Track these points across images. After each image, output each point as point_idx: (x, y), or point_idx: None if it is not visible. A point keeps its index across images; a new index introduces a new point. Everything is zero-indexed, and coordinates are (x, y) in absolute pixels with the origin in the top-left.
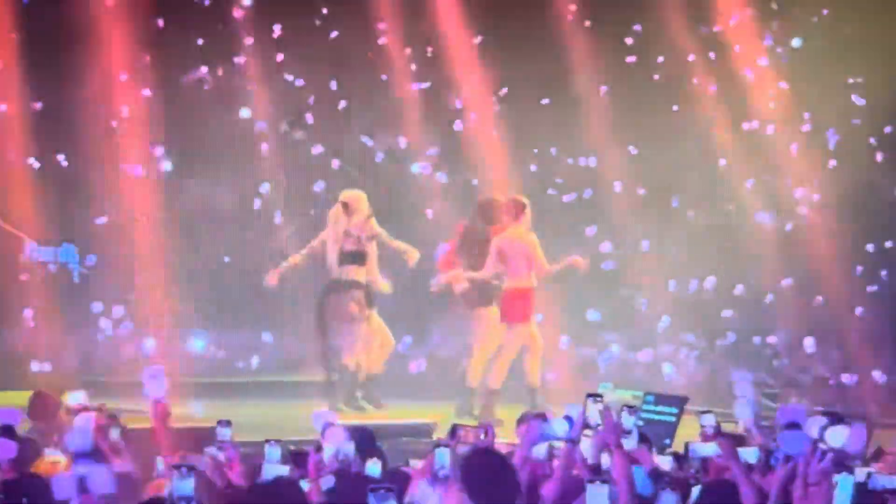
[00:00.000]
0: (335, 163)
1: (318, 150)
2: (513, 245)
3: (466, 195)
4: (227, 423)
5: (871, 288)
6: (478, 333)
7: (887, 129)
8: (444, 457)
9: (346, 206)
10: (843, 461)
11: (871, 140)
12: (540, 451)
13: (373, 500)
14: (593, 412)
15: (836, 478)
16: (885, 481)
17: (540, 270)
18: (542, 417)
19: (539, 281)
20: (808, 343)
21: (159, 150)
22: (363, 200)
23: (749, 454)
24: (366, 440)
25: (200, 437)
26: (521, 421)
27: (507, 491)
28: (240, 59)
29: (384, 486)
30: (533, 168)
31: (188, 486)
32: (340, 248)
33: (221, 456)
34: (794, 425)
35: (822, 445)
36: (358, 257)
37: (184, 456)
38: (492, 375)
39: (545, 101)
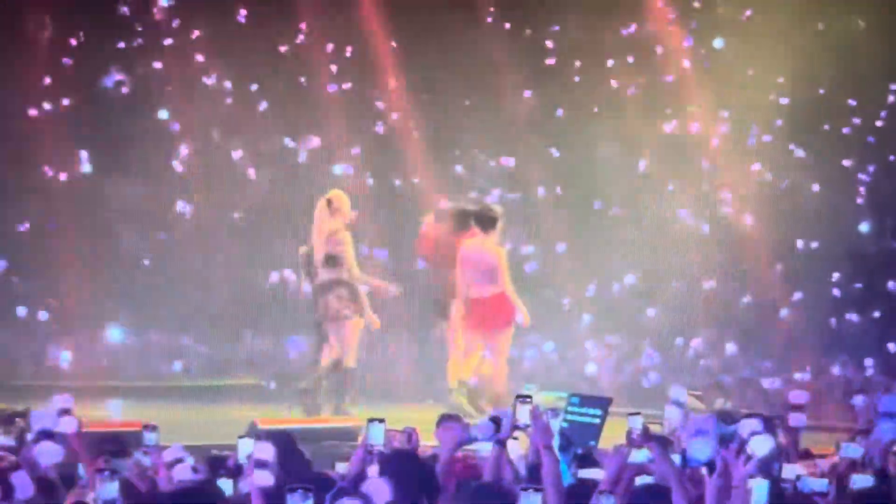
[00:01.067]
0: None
1: (237, 153)
2: (478, 254)
3: (391, 197)
4: (153, 428)
5: (796, 289)
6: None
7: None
8: (377, 432)
9: (329, 202)
10: (768, 464)
11: (793, 141)
12: (486, 448)
13: (290, 501)
14: (523, 413)
15: (751, 483)
16: (813, 484)
17: (501, 284)
18: (456, 419)
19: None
20: (732, 344)
21: (79, 153)
22: (347, 202)
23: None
24: (287, 445)
25: (124, 441)
26: (439, 423)
27: (425, 495)
28: (159, 62)
29: (302, 486)
30: (457, 169)
31: (112, 489)
32: (320, 249)
33: (146, 461)
34: (700, 433)
35: (748, 448)
36: (330, 259)
37: (108, 459)
38: (498, 381)
39: (467, 101)
